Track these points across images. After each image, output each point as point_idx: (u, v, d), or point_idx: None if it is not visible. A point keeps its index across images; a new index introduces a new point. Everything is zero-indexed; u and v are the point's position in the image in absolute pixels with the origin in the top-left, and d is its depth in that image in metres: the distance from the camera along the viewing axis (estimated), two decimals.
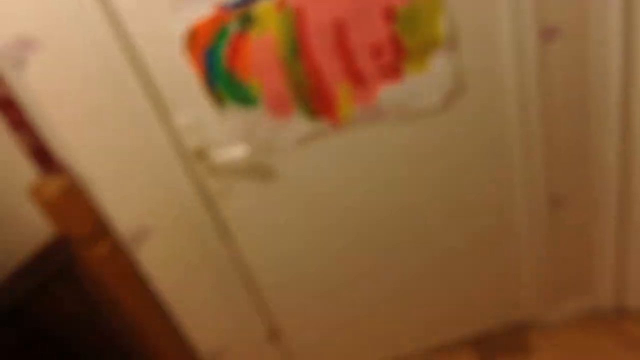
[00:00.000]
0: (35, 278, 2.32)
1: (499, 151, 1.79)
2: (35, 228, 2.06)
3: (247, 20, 1.47)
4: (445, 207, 1.89)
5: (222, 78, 1.55)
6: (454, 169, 1.82)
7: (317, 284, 2.05)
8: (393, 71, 1.58)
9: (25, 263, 2.29)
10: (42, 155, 1.73)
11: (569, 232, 2.00)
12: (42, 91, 1.53)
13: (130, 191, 1.77)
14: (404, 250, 1.98)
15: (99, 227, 1.80)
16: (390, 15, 1.48)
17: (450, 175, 1.83)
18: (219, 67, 1.53)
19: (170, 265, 1.92)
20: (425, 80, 1.61)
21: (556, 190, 1.90)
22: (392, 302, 2.12)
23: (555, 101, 1.70)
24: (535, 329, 2.16)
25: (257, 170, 1.77)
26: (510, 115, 1.72)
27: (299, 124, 1.66)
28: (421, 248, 1.98)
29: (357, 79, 1.58)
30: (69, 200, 1.71)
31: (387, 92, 1.62)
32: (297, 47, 1.52)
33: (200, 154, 1.70)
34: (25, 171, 1.84)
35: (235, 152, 1.71)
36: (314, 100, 1.61)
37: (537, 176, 1.83)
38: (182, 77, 1.55)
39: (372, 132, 1.71)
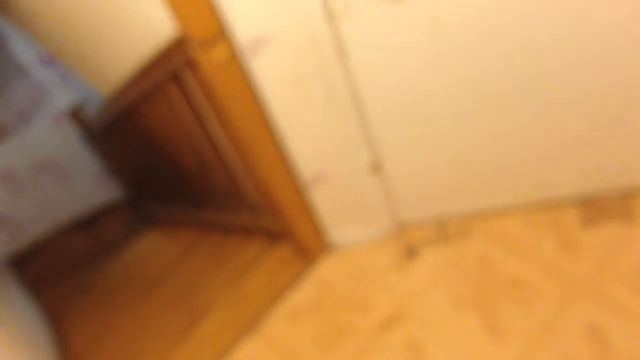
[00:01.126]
0: (153, 77, 2.38)
1: None
2: (158, 26, 2.07)
3: None
4: (580, 45, 1.72)
5: None
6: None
7: (426, 120, 2.00)
8: None
9: (147, 62, 2.34)
10: None
11: None
12: None
13: None
14: (524, 89, 1.85)
15: (220, 30, 1.78)
16: None
17: (596, 11, 1.65)
18: None
19: (283, 78, 1.91)
20: None
21: None
22: (500, 149, 2.04)
23: None
24: None
25: None
26: None
27: None
28: (543, 89, 1.84)
29: None
30: None
31: None
32: None
33: None
34: None
35: None
36: None
37: None
38: None
39: None
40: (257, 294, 2.36)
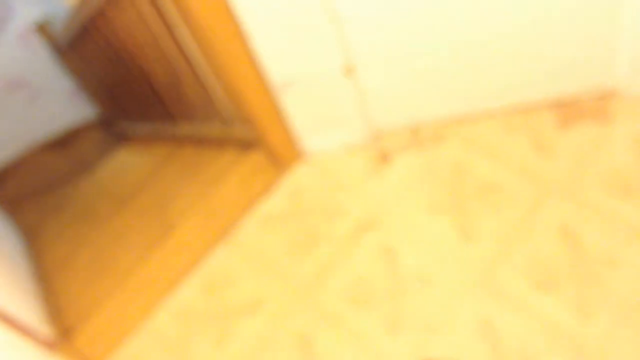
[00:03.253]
0: None
1: None
2: None
3: None
4: None
5: None
6: None
7: (401, 22, 1.92)
8: None
9: None
10: None
11: None
12: None
13: None
14: None
15: None
16: None
17: None
18: None
19: None
20: None
21: None
22: (474, 51, 1.98)
23: None
24: (621, 99, 2.02)
25: None
26: None
27: None
28: None
29: None
30: None
31: None
32: None
33: None
34: None
35: None
36: None
37: None
38: None
39: None
40: (229, 203, 2.34)
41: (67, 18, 3.63)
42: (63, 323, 2.25)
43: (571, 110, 2.04)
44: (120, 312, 2.21)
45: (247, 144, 2.46)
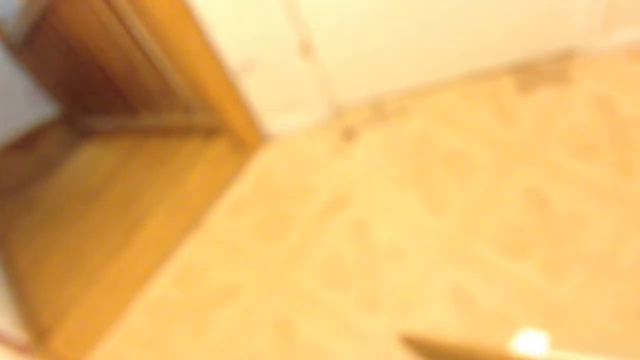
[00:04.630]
0: None
1: None
2: None
3: None
4: None
5: None
6: None
7: None
8: None
9: None
10: None
11: None
12: None
13: None
14: None
15: None
16: None
17: None
18: None
19: None
20: None
21: None
22: (431, 20, 1.96)
23: None
24: (579, 59, 2.03)
25: None
26: None
27: None
28: None
29: None
30: None
31: None
32: None
33: None
34: None
35: None
36: None
37: None
38: None
39: None
40: (197, 193, 2.31)
41: (19, 15, 3.54)
42: (37, 326, 2.21)
43: (531, 75, 2.05)
44: (95, 311, 2.18)
45: (211, 131, 2.42)
